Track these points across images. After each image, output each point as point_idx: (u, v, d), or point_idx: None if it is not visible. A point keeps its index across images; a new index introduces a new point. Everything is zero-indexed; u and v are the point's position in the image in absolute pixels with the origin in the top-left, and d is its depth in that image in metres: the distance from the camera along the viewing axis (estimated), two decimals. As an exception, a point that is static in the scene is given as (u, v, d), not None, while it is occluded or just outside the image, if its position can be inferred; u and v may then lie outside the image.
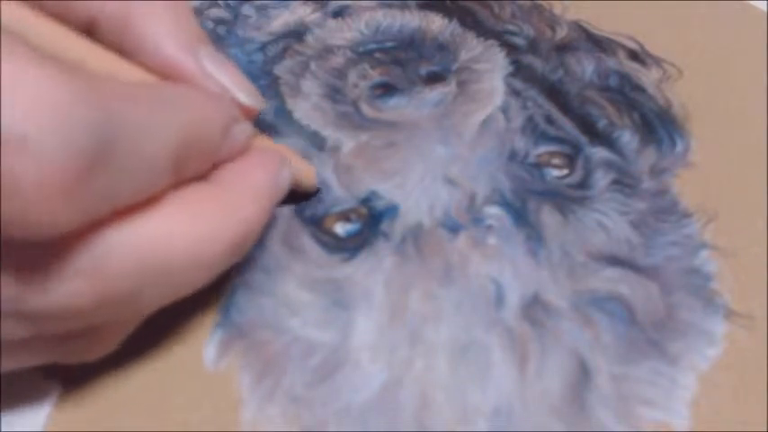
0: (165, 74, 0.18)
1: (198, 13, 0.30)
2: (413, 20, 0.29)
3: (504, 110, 0.26)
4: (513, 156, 0.24)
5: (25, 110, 0.13)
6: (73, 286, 0.15)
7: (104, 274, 0.15)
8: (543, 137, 0.25)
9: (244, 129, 0.19)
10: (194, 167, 0.17)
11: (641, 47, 0.28)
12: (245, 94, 0.19)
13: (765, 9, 0.29)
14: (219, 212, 0.17)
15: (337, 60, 0.27)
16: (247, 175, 0.18)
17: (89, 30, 0.18)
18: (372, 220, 0.23)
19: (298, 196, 0.23)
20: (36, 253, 0.14)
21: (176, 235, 0.16)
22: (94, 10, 0.17)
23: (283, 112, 0.26)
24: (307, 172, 0.23)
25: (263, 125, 0.25)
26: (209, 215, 0.17)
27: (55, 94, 0.13)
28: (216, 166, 0.18)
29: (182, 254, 0.16)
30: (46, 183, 0.13)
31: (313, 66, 0.27)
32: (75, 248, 0.15)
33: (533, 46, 0.28)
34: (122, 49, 0.18)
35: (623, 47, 0.28)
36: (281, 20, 0.29)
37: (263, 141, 0.21)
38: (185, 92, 0.17)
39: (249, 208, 0.18)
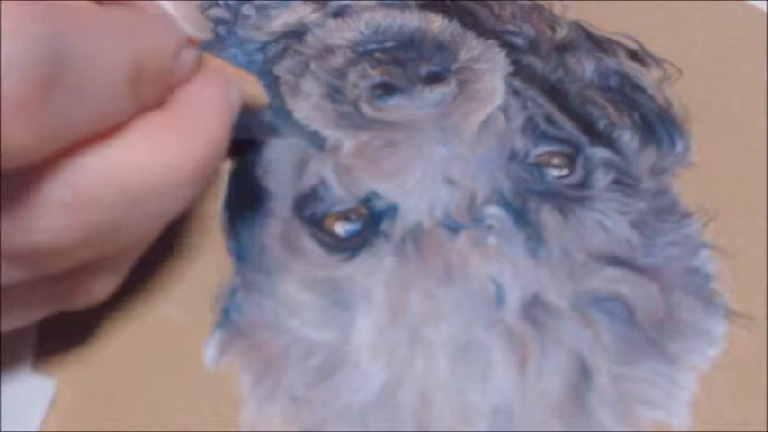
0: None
1: (198, 13, 0.30)
2: (413, 20, 0.29)
3: (505, 110, 0.26)
4: (513, 156, 0.24)
5: None
6: (54, 220, 0.15)
7: (83, 205, 0.15)
8: (543, 137, 0.25)
9: (191, 54, 0.19)
10: (151, 92, 0.17)
11: (641, 47, 0.28)
12: (189, 23, 0.19)
13: (765, 9, 0.29)
14: (180, 134, 0.17)
15: (337, 60, 0.27)
16: (202, 94, 0.19)
17: None
18: (372, 220, 0.23)
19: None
20: (14, 190, 0.14)
21: (146, 159, 0.16)
22: None
23: (283, 112, 0.26)
24: (252, 85, 0.23)
25: (263, 126, 0.25)
26: (172, 138, 0.17)
27: (8, 14, 0.13)
28: (170, 91, 0.18)
29: (154, 177, 0.16)
30: (6, 103, 0.13)
31: (313, 66, 0.27)
32: (52, 181, 0.15)
33: (533, 46, 0.28)
34: None
35: (623, 47, 0.28)
36: (281, 20, 0.29)
37: (209, 61, 0.21)
38: (135, 15, 0.17)
39: (210, 125, 0.18)
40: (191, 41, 0.19)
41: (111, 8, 0.17)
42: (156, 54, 0.17)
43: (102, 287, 0.18)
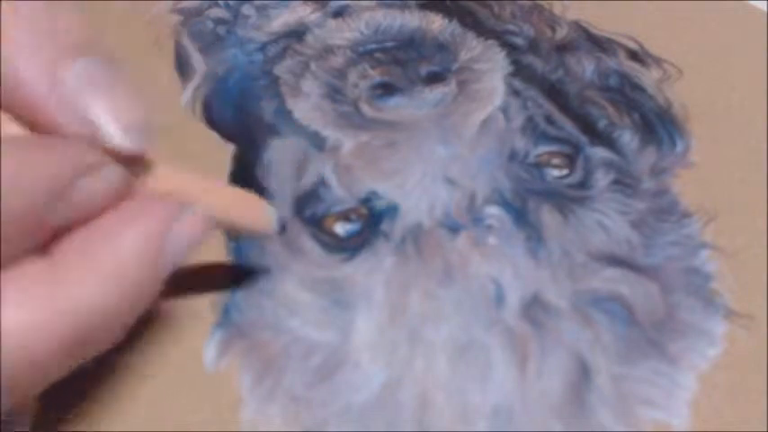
0: (20, 104, 0.14)
1: (198, 13, 0.30)
2: (413, 20, 0.29)
3: (504, 110, 0.26)
4: (513, 156, 0.24)
5: None
6: None
7: None
8: (543, 137, 0.25)
9: (101, 180, 0.14)
10: (16, 243, 0.14)
11: (641, 47, 0.28)
12: (121, 129, 0.14)
13: (765, 9, 0.29)
14: (48, 297, 0.13)
15: (337, 60, 0.27)
16: (96, 244, 0.14)
17: None
18: (372, 220, 0.23)
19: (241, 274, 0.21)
20: None
21: (9, 322, 0.13)
22: None
23: (283, 112, 0.26)
24: (250, 208, 0.18)
25: (263, 126, 0.25)
26: (40, 300, 0.13)
27: None
28: (71, 227, 0.14)
29: (20, 342, 0.13)
30: None
31: (313, 66, 0.27)
32: None
33: (533, 46, 0.28)
34: None
35: (623, 47, 0.28)
36: (281, 20, 0.29)
37: (163, 180, 0.16)
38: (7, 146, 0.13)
39: (90, 290, 0.14)
40: (119, 154, 0.15)
41: None
42: (22, 197, 0.13)
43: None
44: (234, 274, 0.21)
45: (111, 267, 0.14)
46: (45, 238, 0.14)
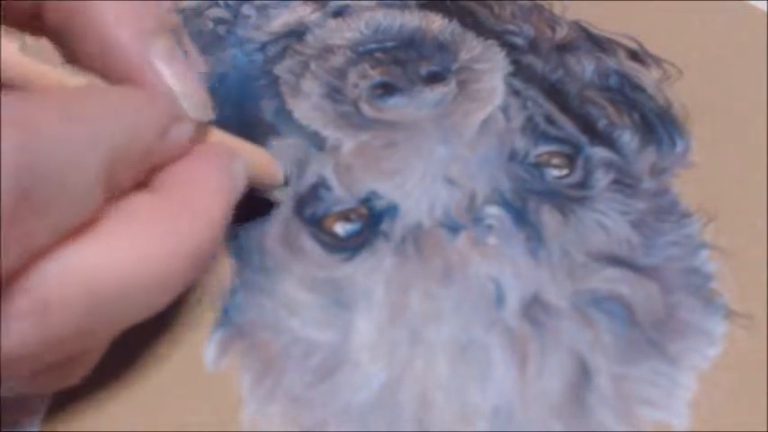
0: (110, 63, 0.17)
1: (198, 13, 0.30)
2: (413, 20, 0.29)
3: (504, 110, 0.26)
4: (513, 156, 0.24)
5: None
6: (16, 331, 0.13)
7: (47, 312, 0.14)
8: (543, 137, 0.25)
9: (185, 129, 0.17)
10: (128, 176, 0.16)
11: (641, 47, 0.28)
12: (191, 103, 0.17)
13: (765, 9, 0.29)
14: (166, 225, 0.15)
15: (337, 60, 0.27)
16: (194, 178, 0.17)
17: (36, 14, 0.17)
18: (372, 220, 0.23)
19: (261, 205, 0.22)
20: None
21: (121, 257, 0.14)
22: None
23: (283, 112, 0.26)
24: (265, 163, 0.21)
25: (263, 126, 0.25)
26: (155, 230, 0.15)
27: None
28: (156, 169, 0.17)
29: (129, 276, 0.14)
30: None
31: (313, 66, 0.27)
32: (12, 289, 0.13)
33: (533, 46, 0.28)
34: (70, 31, 0.16)
35: (623, 47, 0.28)
36: (281, 20, 0.29)
37: (214, 134, 0.19)
38: (116, 96, 0.16)
39: (200, 216, 0.16)
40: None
41: (89, 94, 0.16)
42: (137, 138, 0.15)
43: (73, 378, 0.17)
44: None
45: (209, 193, 0.16)
46: (145, 174, 0.16)
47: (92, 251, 0.14)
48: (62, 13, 0.17)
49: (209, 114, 0.18)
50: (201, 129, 0.18)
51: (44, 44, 0.16)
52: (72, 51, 0.17)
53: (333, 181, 0.24)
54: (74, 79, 0.16)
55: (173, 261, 0.15)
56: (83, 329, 0.14)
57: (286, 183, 0.22)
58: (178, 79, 0.17)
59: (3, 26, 0.15)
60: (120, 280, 0.14)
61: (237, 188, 0.18)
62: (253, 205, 0.21)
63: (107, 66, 0.17)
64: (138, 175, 0.16)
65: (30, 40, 0.16)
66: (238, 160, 0.18)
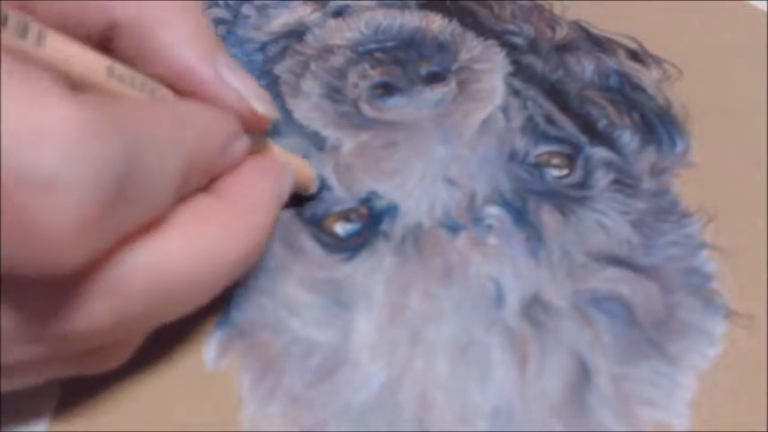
0: (183, 81, 0.18)
1: (198, 12, 0.30)
2: (413, 20, 0.29)
3: (504, 110, 0.26)
4: (513, 156, 0.24)
5: (48, 152, 0.13)
6: (92, 311, 0.15)
7: (123, 297, 0.15)
8: (543, 137, 0.25)
9: (243, 143, 0.19)
10: (199, 181, 0.17)
11: (641, 47, 0.28)
12: (260, 102, 0.19)
13: (765, 9, 0.29)
14: (227, 226, 0.17)
15: (337, 60, 0.27)
16: (252, 186, 0.19)
17: (108, 35, 0.18)
18: (372, 220, 0.23)
19: (297, 199, 0.23)
20: (56, 283, 0.14)
21: (187, 251, 0.16)
22: (111, 14, 0.17)
23: (283, 112, 0.26)
24: (306, 174, 0.23)
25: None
26: (217, 229, 0.17)
27: (78, 133, 0.13)
28: (215, 177, 0.18)
29: (194, 269, 0.16)
30: (69, 225, 0.13)
31: (313, 66, 0.27)
32: (93, 274, 0.15)
33: (533, 46, 0.28)
34: (141, 55, 0.18)
35: (623, 47, 0.28)
36: (281, 20, 0.29)
37: (266, 146, 0.21)
38: (191, 108, 0.17)
39: (255, 219, 0.18)
40: (258, 121, 0.19)
41: (173, 105, 0.18)
42: (208, 146, 0.17)
43: (114, 362, 0.18)
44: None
45: (264, 200, 0.18)
46: (208, 182, 0.18)
47: (162, 246, 0.16)
48: (134, 39, 0.18)
49: (276, 112, 0.20)
50: (260, 141, 0.20)
51: (130, 70, 0.17)
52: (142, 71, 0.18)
53: (333, 181, 0.24)
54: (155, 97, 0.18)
55: (225, 261, 0.17)
56: (145, 315, 0.16)
57: (319, 191, 0.23)
58: (246, 85, 0.19)
59: (90, 48, 0.16)
60: (186, 272, 0.16)
61: (285, 196, 0.20)
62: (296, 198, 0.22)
63: (177, 84, 0.18)
64: (204, 181, 0.18)
65: (117, 63, 0.17)
66: (288, 172, 0.20)
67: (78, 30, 0.17)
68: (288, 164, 0.21)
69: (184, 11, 0.18)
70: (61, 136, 0.13)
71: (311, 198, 0.23)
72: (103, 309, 0.15)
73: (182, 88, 0.18)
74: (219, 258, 0.17)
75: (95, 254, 0.14)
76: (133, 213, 0.15)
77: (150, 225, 0.16)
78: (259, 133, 0.20)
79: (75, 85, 0.15)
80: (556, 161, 0.24)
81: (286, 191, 0.20)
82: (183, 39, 0.18)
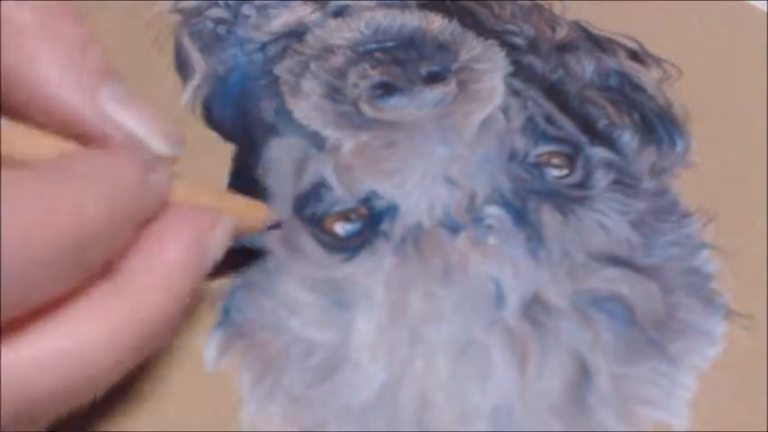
0: (67, 126, 0.15)
1: (198, 13, 0.30)
2: (413, 20, 0.29)
3: (504, 110, 0.26)
4: (513, 156, 0.24)
5: None
6: None
7: (13, 397, 0.14)
8: (543, 137, 0.25)
9: (159, 176, 0.16)
10: (97, 257, 0.15)
11: (641, 47, 0.28)
12: (159, 139, 0.16)
13: (765, 9, 0.29)
14: (121, 313, 0.15)
15: (337, 60, 0.27)
16: (157, 259, 0.16)
17: None
18: (372, 220, 0.23)
19: (243, 254, 0.21)
20: None
21: (58, 356, 0.14)
22: None
23: (283, 112, 0.26)
24: (251, 215, 0.20)
25: (263, 126, 0.25)
26: (112, 317, 0.15)
27: None
28: (137, 236, 0.16)
29: (81, 366, 0.14)
30: None
31: (313, 66, 0.27)
32: None
33: (533, 46, 0.28)
34: (20, 108, 0.15)
35: (623, 47, 0.28)
36: (281, 20, 0.29)
37: (188, 190, 0.17)
38: (72, 168, 0.14)
39: (155, 302, 0.15)
40: (164, 161, 0.16)
41: (44, 176, 0.14)
42: (113, 201, 0.15)
43: None
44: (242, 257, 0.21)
45: (167, 280, 0.15)
46: (132, 236, 0.15)
47: (46, 340, 0.14)
48: (7, 81, 0.15)
49: (181, 147, 0.17)
50: (177, 182, 0.17)
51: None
52: (32, 124, 0.16)
53: (333, 181, 0.24)
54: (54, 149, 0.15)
55: (122, 349, 0.15)
56: (37, 410, 0.14)
57: (278, 226, 0.22)
58: (139, 119, 0.16)
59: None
60: (83, 366, 0.14)
61: (209, 256, 0.17)
62: (241, 253, 0.21)
63: (63, 132, 0.15)
64: (123, 241, 0.15)
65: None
66: (217, 224, 0.17)
67: None
68: (217, 216, 0.17)
69: (53, 35, 0.15)
70: None
71: (260, 255, 0.21)
72: None
73: (69, 135, 0.16)
74: (112, 349, 0.15)
75: None
76: (30, 297, 0.13)
77: (28, 319, 0.14)
78: (170, 171, 0.17)
79: None
80: (556, 161, 0.24)
81: (211, 248, 0.17)
82: (55, 72, 0.15)
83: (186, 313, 0.16)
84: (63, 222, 0.13)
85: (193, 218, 0.16)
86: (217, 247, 0.17)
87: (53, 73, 0.15)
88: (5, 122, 0.15)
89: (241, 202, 0.20)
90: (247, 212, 0.20)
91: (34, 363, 0.14)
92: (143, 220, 0.16)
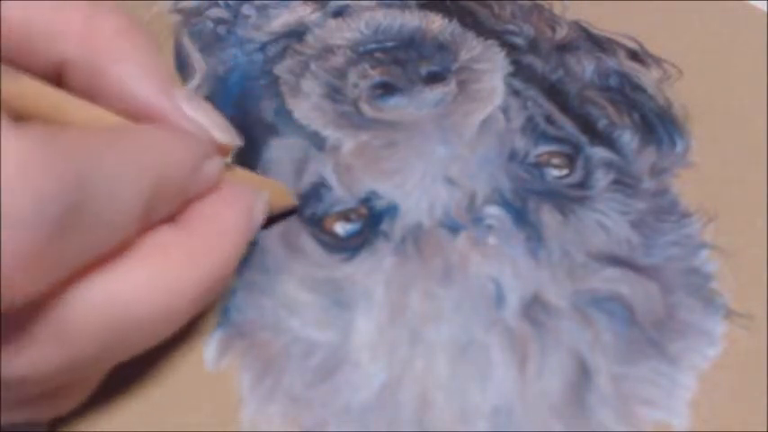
0: (141, 116, 0.18)
1: (198, 13, 0.30)
2: (413, 20, 0.29)
3: (504, 110, 0.26)
4: (513, 156, 0.24)
5: None
6: (40, 353, 0.14)
7: (72, 339, 0.14)
8: (543, 137, 0.25)
9: (215, 164, 0.18)
10: (163, 210, 0.17)
11: (641, 47, 0.28)
12: (220, 131, 0.19)
13: (765, 9, 0.29)
14: (187, 261, 0.16)
15: (337, 60, 0.27)
16: (217, 218, 0.18)
17: (59, 75, 0.17)
18: (372, 220, 0.23)
19: (276, 217, 0.22)
20: (1, 321, 0.14)
21: (143, 290, 0.15)
22: (61, 51, 0.17)
23: (283, 112, 0.26)
24: (281, 195, 0.22)
25: (263, 126, 0.25)
26: (177, 265, 0.16)
27: (19, 163, 0.12)
28: (186, 204, 0.18)
29: (149, 309, 0.15)
30: (10, 257, 0.12)
31: (313, 66, 0.27)
32: (40, 314, 0.14)
33: (533, 46, 0.28)
34: (95, 91, 0.17)
35: (623, 47, 0.28)
36: (281, 20, 0.29)
37: (236, 173, 0.20)
38: (154, 134, 0.17)
39: (218, 254, 0.17)
40: (220, 149, 0.19)
41: (130, 131, 0.17)
42: (174, 173, 0.17)
43: (70, 404, 0.17)
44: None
45: (230, 233, 0.18)
46: (179, 207, 0.18)
47: (118, 282, 0.15)
48: (85, 74, 0.17)
49: (238, 139, 0.20)
50: (228, 168, 0.20)
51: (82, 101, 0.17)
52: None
53: (333, 181, 0.24)
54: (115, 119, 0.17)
55: (186, 297, 0.16)
56: (97, 356, 0.15)
57: (295, 210, 0.23)
58: (206, 114, 0.19)
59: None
60: (143, 308, 0.15)
61: (255, 226, 0.19)
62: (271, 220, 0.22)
63: (135, 120, 0.18)
64: (170, 210, 0.17)
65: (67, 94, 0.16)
66: (259, 200, 0.20)
67: (29, 67, 0.17)
68: (259, 189, 0.20)
69: (135, 47, 0.18)
70: (2, 167, 0.12)
71: (293, 212, 0.23)
72: (51, 352, 0.14)
73: (141, 123, 0.18)
74: (180, 292, 0.16)
75: (41, 290, 0.13)
76: (85, 246, 0.14)
77: (110, 257, 0.15)
78: (223, 160, 0.19)
79: (20, 115, 0.15)
80: (556, 161, 0.24)
81: (256, 218, 0.19)
82: (137, 74, 0.18)
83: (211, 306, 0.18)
84: (148, 163, 0.16)
85: (243, 191, 0.19)
86: (259, 215, 0.19)
87: (135, 71, 0.18)
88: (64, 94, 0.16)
89: (271, 182, 0.23)
90: (276, 190, 0.22)
91: (135, 290, 0.15)
92: (205, 183, 0.18)
